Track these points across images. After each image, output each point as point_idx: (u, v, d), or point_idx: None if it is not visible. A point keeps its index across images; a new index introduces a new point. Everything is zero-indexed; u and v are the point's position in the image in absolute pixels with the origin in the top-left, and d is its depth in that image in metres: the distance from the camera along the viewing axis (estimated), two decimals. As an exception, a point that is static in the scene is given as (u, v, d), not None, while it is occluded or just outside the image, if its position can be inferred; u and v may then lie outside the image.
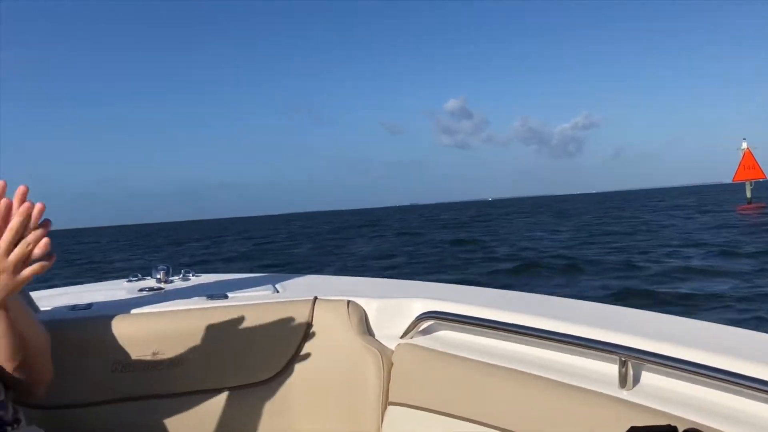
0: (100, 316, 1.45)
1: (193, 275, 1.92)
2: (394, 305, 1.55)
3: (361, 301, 1.55)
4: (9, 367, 1.12)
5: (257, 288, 1.71)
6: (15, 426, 1.10)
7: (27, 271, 0.95)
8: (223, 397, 1.47)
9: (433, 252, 21.15)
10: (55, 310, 1.47)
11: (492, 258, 17.42)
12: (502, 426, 1.17)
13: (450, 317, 1.41)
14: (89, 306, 1.51)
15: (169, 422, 1.44)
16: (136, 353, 1.42)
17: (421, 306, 1.49)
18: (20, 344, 1.11)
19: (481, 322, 1.34)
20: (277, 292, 1.67)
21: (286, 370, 1.50)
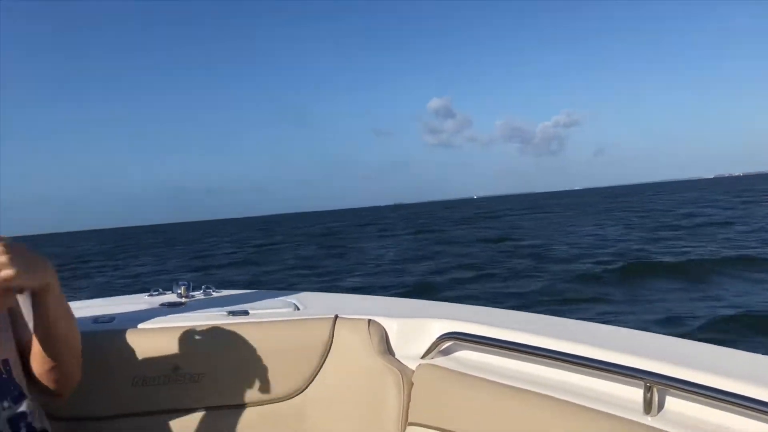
0: (123, 329, 1.46)
1: (214, 291, 1.87)
2: (415, 325, 1.51)
3: (382, 321, 1.53)
4: (45, 368, 1.13)
5: (278, 305, 1.68)
6: None
7: None
8: (242, 413, 1.47)
9: (474, 252, 17.96)
10: (79, 322, 1.40)
11: (562, 259, 14.29)
12: None
13: (471, 338, 1.38)
14: (112, 319, 1.51)
15: None
16: (157, 367, 1.42)
17: (441, 326, 1.46)
18: (62, 345, 1.11)
19: (503, 344, 1.31)
20: (298, 309, 1.65)
21: (305, 388, 1.49)
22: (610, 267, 11.68)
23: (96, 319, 1.48)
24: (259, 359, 1.46)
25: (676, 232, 18.68)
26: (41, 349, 1.10)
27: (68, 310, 1.12)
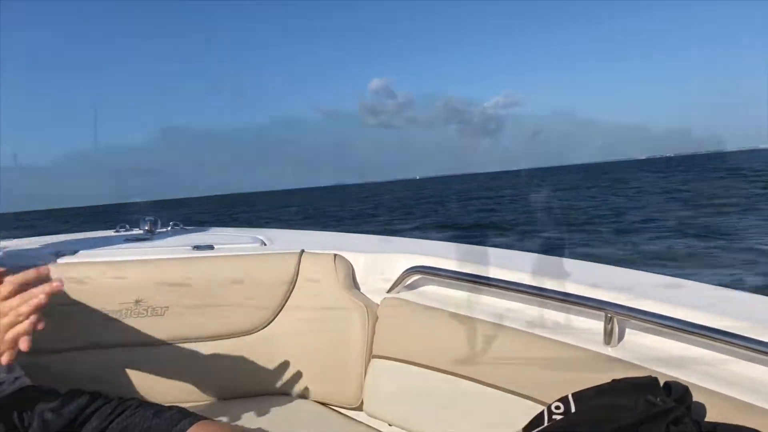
0: (85, 262, 1.45)
1: (181, 228, 1.86)
2: (382, 260, 1.52)
3: (348, 256, 1.53)
4: None
5: (244, 240, 1.67)
6: None
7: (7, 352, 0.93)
8: (207, 347, 1.45)
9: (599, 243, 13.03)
10: (40, 256, 1.43)
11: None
12: (485, 380, 1.16)
13: (436, 272, 1.38)
14: (74, 252, 1.49)
15: (151, 370, 1.42)
16: (119, 300, 1.41)
17: (408, 261, 1.46)
18: None
19: (467, 277, 1.32)
20: (264, 245, 1.65)
21: (271, 322, 1.48)
22: None
23: (58, 253, 1.46)
24: (223, 293, 1.45)
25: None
26: None
27: None
